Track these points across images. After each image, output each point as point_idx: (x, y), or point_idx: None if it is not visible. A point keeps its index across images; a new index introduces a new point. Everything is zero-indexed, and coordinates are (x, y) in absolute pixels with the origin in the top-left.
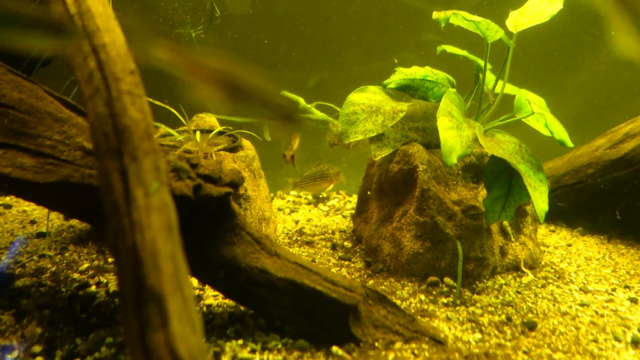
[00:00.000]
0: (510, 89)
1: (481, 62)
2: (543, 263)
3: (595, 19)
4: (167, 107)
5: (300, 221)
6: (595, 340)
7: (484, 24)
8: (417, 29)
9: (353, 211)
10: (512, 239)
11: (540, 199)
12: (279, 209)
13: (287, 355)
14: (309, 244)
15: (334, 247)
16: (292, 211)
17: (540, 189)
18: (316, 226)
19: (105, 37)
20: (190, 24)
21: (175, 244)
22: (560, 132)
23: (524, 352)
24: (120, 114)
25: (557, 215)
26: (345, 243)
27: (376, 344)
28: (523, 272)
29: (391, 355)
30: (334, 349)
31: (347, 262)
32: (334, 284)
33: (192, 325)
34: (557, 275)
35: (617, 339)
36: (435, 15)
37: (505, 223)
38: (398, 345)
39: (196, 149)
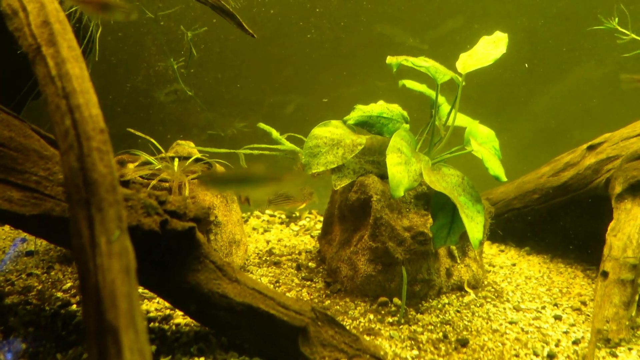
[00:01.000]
0: (463, 121)
1: (440, 99)
2: (486, 282)
3: (550, 53)
4: (147, 137)
5: (272, 241)
6: (517, 355)
7: (433, 69)
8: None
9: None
10: (458, 261)
11: (475, 229)
12: (254, 228)
13: None
14: (277, 264)
15: (298, 267)
16: (265, 230)
17: (476, 219)
18: (285, 246)
19: (80, 98)
20: (173, 58)
21: (132, 284)
22: (496, 168)
23: None
24: (90, 169)
25: (508, 237)
26: (310, 263)
27: None
28: (466, 291)
29: None
30: None
31: (309, 282)
32: (286, 307)
33: (142, 355)
34: (496, 295)
35: (535, 354)
36: (389, 60)
37: (452, 247)
38: None
39: (172, 178)
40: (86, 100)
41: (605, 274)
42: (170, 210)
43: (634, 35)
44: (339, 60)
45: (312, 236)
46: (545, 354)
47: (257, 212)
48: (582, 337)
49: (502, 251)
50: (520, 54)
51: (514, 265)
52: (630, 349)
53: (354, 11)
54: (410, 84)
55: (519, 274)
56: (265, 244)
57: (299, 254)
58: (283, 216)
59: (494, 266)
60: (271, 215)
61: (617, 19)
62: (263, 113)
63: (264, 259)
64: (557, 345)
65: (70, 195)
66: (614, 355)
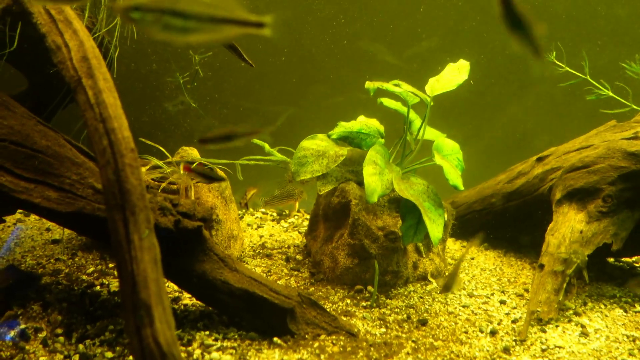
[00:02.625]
0: (432, 135)
1: (411, 116)
2: (447, 274)
3: (514, 70)
4: (157, 145)
5: (264, 236)
6: (466, 332)
7: (404, 93)
8: (378, 71)
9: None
10: (424, 256)
11: (436, 230)
12: (248, 224)
13: (241, 343)
14: (269, 256)
15: (287, 259)
16: (258, 226)
17: (437, 221)
18: (276, 241)
19: (115, 123)
20: (179, 73)
21: (159, 272)
22: (454, 179)
23: (413, 341)
24: (124, 180)
25: (469, 235)
26: (297, 256)
27: (306, 336)
28: (429, 281)
29: (316, 344)
30: (275, 339)
31: (296, 272)
32: (277, 293)
33: (168, 325)
34: None
35: (481, 331)
36: (367, 85)
37: (419, 244)
38: (322, 337)
39: (180, 181)
40: (119, 124)
41: (542, 266)
42: (182, 212)
43: (567, 68)
44: (326, 74)
45: (299, 232)
46: (488, 330)
47: (251, 210)
48: (520, 317)
49: (464, 247)
50: (489, 71)
51: (472, 259)
52: (557, 326)
53: (340, 30)
54: (387, 102)
55: (475, 266)
56: (258, 239)
57: (288, 247)
58: (274, 214)
59: (455, 260)
60: (264, 213)
61: (554, 53)
62: (258, 122)
63: (257, 251)
64: (499, 324)
65: (108, 201)
66: (544, 330)
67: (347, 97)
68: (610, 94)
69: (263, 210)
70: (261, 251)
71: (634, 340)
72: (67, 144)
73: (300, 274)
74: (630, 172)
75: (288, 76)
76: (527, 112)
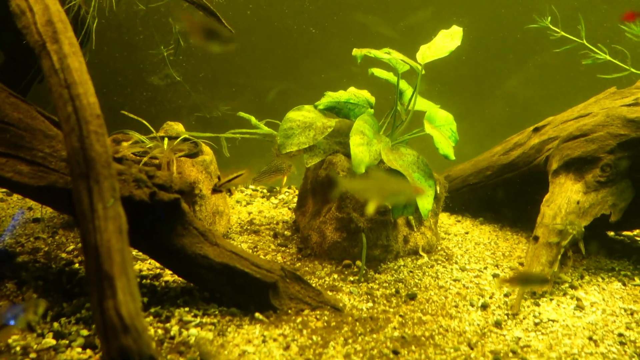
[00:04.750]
0: (425, 106)
1: (402, 86)
2: (439, 248)
3: (512, 40)
4: (139, 118)
5: (253, 212)
6: (456, 306)
7: (394, 60)
8: (371, 44)
9: None
10: (415, 230)
11: (425, 201)
12: (237, 202)
13: (221, 319)
14: (256, 232)
15: (275, 235)
16: (247, 203)
17: (427, 192)
18: (265, 217)
19: (80, 88)
20: (163, 46)
21: (124, 242)
22: (445, 148)
23: (400, 316)
24: (88, 148)
25: (465, 209)
26: (286, 232)
27: (289, 311)
28: (420, 255)
29: (299, 319)
30: (257, 314)
31: (283, 248)
32: (259, 267)
33: (132, 296)
34: (446, 258)
35: (471, 304)
36: (354, 52)
37: (410, 217)
38: (306, 312)
39: (161, 155)
40: (85, 90)
41: (536, 238)
42: (158, 184)
43: (563, 33)
44: (318, 47)
45: (290, 208)
46: (479, 304)
47: (241, 187)
48: (513, 291)
49: (459, 221)
50: (487, 42)
51: (466, 233)
52: (551, 300)
53: (332, 1)
54: (378, 72)
55: (470, 240)
56: (247, 215)
57: (277, 224)
58: (265, 190)
59: (449, 234)
60: (254, 190)
61: (549, 18)
62: (249, 97)
63: (245, 228)
64: (491, 298)
65: (72, 170)
66: (537, 304)
67: (341, 71)
68: (608, 57)
69: (253, 187)
70: (249, 227)
71: (631, 314)
72: (40, 116)
73: (287, 250)
74: (630, 140)
75: (279, 50)
76: (528, 83)
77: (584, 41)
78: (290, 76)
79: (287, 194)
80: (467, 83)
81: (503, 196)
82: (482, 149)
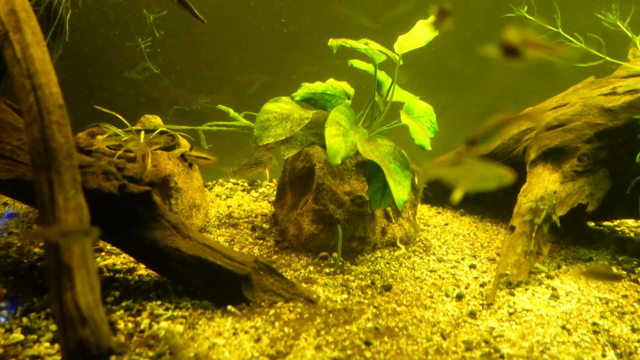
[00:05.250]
0: (404, 97)
1: (382, 77)
2: (418, 239)
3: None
4: (113, 113)
5: (232, 206)
6: (432, 297)
7: (370, 50)
8: (353, 36)
9: None
10: (393, 221)
11: (401, 192)
12: (217, 195)
13: (193, 312)
14: (234, 225)
15: (253, 228)
16: (227, 197)
17: (403, 183)
18: (244, 210)
19: (42, 78)
20: (140, 39)
21: None
22: (421, 138)
23: (375, 307)
24: (50, 139)
25: (445, 200)
26: (264, 225)
27: (262, 303)
28: (398, 247)
29: (272, 311)
30: (229, 307)
31: (261, 241)
32: (231, 259)
33: (92, 289)
34: (424, 249)
35: (447, 295)
36: (330, 42)
37: (388, 208)
38: (279, 304)
39: (136, 148)
40: (47, 80)
41: (512, 228)
42: (128, 176)
43: (539, 22)
44: (301, 40)
45: (270, 202)
46: (455, 294)
47: (221, 181)
48: (489, 281)
49: (439, 213)
50: (471, 32)
51: (446, 224)
52: (527, 289)
53: None
54: (357, 63)
55: (449, 232)
56: (226, 209)
57: (256, 217)
58: (246, 184)
59: (428, 226)
60: (235, 184)
61: (526, 7)
62: (231, 90)
63: (223, 221)
64: (466, 288)
65: (34, 161)
66: (512, 294)
67: (323, 64)
68: (583, 46)
69: (233, 180)
70: (227, 221)
71: (606, 303)
72: (9, 109)
73: (265, 243)
74: (607, 129)
75: (261, 43)
76: (511, 74)
77: (560, 30)
78: (272, 69)
79: (268, 187)
80: (451, 74)
81: None
82: (462, 139)
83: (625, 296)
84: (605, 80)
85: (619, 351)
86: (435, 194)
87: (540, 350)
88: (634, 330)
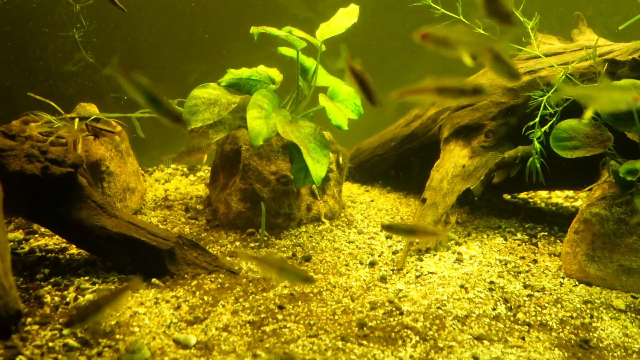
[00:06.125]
0: (329, 81)
1: (308, 63)
2: (342, 215)
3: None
4: (46, 100)
5: (170, 189)
6: (347, 265)
7: (291, 38)
8: (290, 24)
9: None
10: (318, 198)
11: (319, 169)
12: (156, 180)
13: (119, 286)
14: (169, 207)
15: (187, 209)
16: (166, 181)
17: (322, 161)
18: (180, 193)
19: None
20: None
21: None
22: (338, 119)
23: None
24: None
25: (374, 179)
26: (198, 206)
27: (186, 275)
28: (322, 222)
29: (194, 282)
30: (154, 280)
31: (193, 221)
32: (155, 235)
33: (2, 258)
34: (347, 223)
35: (361, 263)
36: (252, 30)
37: (314, 186)
38: (202, 275)
39: (67, 134)
40: None
41: (424, 200)
42: (51, 159)
43: (443, 10)
44: (239, 29)
45: (206, 184)
46: (368, 262)
47: (162, 166)
48: (401, 249)
49: (367, 191)
50: (404, 18)
51: (372, 201)
52: (435, 255)
53: None
54: (285, 50)
55: (374, 207)
56: (163, 192)
57: (191, 199)
58: (185, 169)
59: (355, 202)
60: (174, 169)
61: None
62: (172, 79)
63: (159, 204)
64: (380, 256)
65: None
66: (421, 259)
67: (261, 52)
68: (481, 31)
69: (174, 166)
70: (163, 203)
71: (505, 264)
72: None
73: (197, 222)
74: (509, 107)
75: (200, 32)
76: (438, 59)
77: (461, 17)
78: (212, 58)
79: (206, 171)
80: (383, 60)
81: (407, 165)
82: (393, 122)
83: (523, 257)
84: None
85: (509, 305)
86: (364, 172)
87: (437, 307)
88: (525, 286)
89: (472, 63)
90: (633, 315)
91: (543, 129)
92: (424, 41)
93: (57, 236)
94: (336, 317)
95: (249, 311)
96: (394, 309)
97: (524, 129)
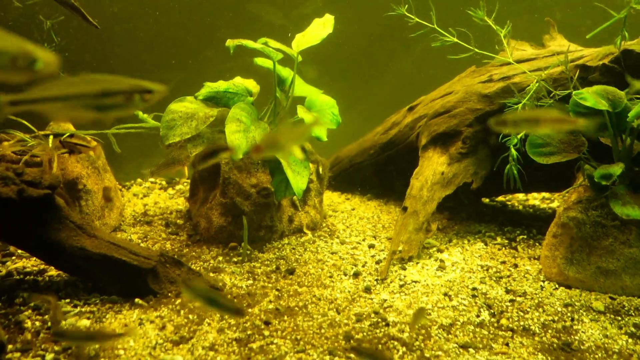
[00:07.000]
0: (307, 91)
1: (285, 73)
2: (324, 225)
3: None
4: (18, 119)
5: (149, 204)
6: (331, 276)
7: (267, 49)
8: (264, 33)
9: None
10: (300, 209)
11: (300, 181)
12: (134, 194)
13: (101, 307)
14: (149, 223)
15: (167, 224)
16: (144, 195)
17: (302, 173)
18: (160, 208)
19: None
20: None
21: None
22: (317, 130)
23: (277, 290)
24: None
25: (354, 187)
26: (178, 221)
27: (169, 294)
28: (305, 233)
29: (178, 301)
30: (137, 300)
31: (174, 236)
32: (136, 254)
33: None
34: (329, 233)
35: (345, 274)
36: (228, 43)
37: (295, 197)
38: None
39: (42, 152)
40: None
41: (405, 209)
42: (27, 181)
43: (417, 19)
44: (214, 38)
45: (186, 198)
46: (352, 272)
47: (140, 180)
48: (384, 258)
49: (348, 199)
50: (376, 28)
51: (353, 209)
52: (417, 263)
53: None
54: (261, 61)
55: (355, 216)
56: (142, 207)
57: (170, 213)
58: (164, 182)
59: (336, 211)
60: (152, 182)
61: (406, 6)
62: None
63: (138, 219)
64: (363, 266)
65: None
66: (404, 268)
67: (237, 62)
68: (455, 39)
69: (152, 179)
70: (142, 219)
71: (487, 269)
72: None
73: (178, 237)
74: (485, 113)
75: (175, 42)
76: (412, 65)
77: (435, 25)
78: (187, 68)
79: (185, 184)
80: (359, 68)
81: (387, 172)
82: (371, 130)
83: (503, 262)
84: (484, 69)
85: (492, 311)
86: (344, 181)
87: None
88: (507, 291)
89: None
90: (612, 316)
91: (519, 136)
92: None
93: (34, 258)
94: (322, 330)
95: (235, 328)
96: (379, 320)
97: (500, 136)
